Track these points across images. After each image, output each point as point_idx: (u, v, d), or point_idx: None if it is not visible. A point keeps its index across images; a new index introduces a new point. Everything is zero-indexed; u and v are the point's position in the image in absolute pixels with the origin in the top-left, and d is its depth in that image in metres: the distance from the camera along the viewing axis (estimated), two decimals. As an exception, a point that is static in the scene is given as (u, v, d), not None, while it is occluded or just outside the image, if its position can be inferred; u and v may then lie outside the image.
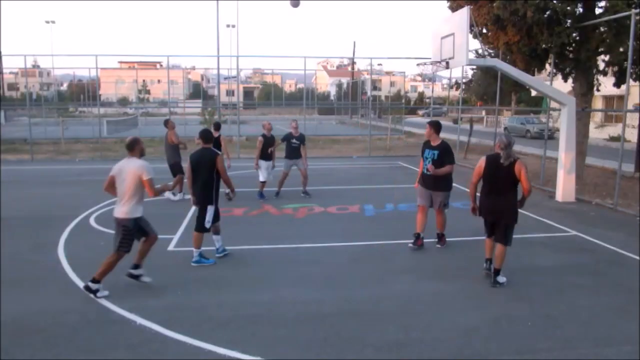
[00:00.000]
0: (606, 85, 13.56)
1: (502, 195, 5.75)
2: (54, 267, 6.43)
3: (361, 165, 17.31)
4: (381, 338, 4.57)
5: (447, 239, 7.56)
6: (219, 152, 6.60)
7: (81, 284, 5.76)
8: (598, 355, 4.33)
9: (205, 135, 6.58)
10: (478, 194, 6.06)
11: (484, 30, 12.63)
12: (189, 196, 7.40)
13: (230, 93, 45.11)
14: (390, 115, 30.59)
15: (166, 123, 10.76)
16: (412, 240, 7.32)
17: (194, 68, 79.79)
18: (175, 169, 10.37)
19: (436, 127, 7.18)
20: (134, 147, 5.63)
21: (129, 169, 5.54)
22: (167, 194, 10.49)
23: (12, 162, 16.94)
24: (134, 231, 5.62)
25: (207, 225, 6.46)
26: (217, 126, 10.38)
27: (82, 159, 18.29)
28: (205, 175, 6.40)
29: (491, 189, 5.82)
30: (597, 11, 11.92)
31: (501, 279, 5.86)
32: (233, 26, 42.19)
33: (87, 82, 45.46)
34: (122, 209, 5.59)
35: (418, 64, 11.89)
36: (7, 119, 37.49)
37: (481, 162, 5.91)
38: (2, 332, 4.59)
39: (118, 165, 5.66)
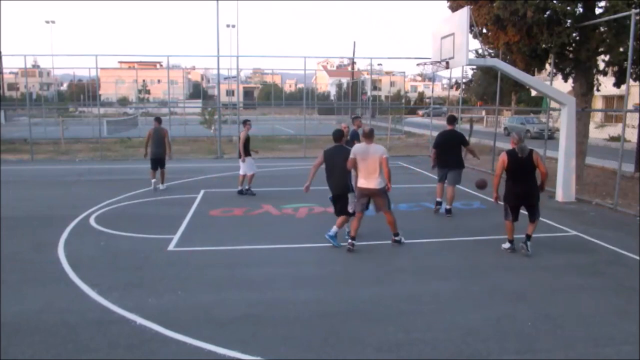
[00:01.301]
0: (606, 85, 13.54)
1: (527, 182, 6.84)
2: (54, 267, 6.43)
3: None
4: (381, 338, 4.57)
5: (447, 239, 7.63)
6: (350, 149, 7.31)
7: (81, 284, 5.77)
8: (598, 355, 4.33)
9: (336, 135, 7.48)
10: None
11: (484, 30, 12.62)
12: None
13: (230, 93, 45.07)
14: (390, 115, 30.59)
15: (161, 120, 12.01)
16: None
17: (194, 68, 79.73)
18: (163, 162, 11.73)
19: (447, 119, 9.56)
20: (372, 136, 7.11)
21: (374, 151, 6.97)
22: (162, 186, 11.78)
23: (12, 162, 16.94)
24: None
25: (351, 209, 7.32)
26: (244, 122, 11.49)
27: (82, 159, 18.29)
28: (340, 168, 7.26)
29: (516, 178, 6.84)
30: (597, 11, 11.91)
31: (530, 246, 6.94)
32: (233, 26, 42.12)
33: (87, 82, 45.43)
34: (376, 181, 7.02)
35: (418, 64, 11.89)
36: (7, 119, 37.49)
37: (503, 157, 6.91)
38: (2, 332, 4.59)
39: (360, 149, 7.03)
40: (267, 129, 31.40)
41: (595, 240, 7.79)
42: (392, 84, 64.79)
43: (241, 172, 11.13)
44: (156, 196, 11.04)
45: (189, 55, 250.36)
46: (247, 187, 11.13)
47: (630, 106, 22.40)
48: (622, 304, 5.39)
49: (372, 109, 36.76)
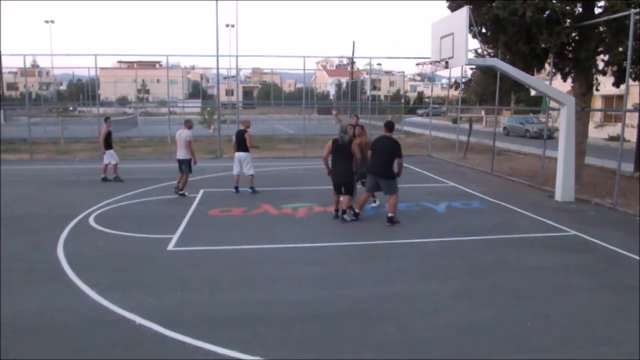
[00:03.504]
0: (605, 84, 13.55)
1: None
2: (53, 267, 6.42)
3: (361, 165, 17.26)
4: (381, 338, 4.57)
5: (447, 239, 7.62)
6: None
7: (81, 284, 5.77)
8: (598, 355, 4.33)
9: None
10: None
11: (483, 30, 12.63)
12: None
13: (229, 93, 45.11)
14: (389, 115, 30.61)
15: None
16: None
17: (193, 68, 79.66)
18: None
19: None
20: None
21: None
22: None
23: (12, 162, 16.93)
24: None
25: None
26: (247, 124, 11.44)
27: (81, 159, 18.27)
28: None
29: None
30: (597, 11, 11.92)
31: None
32: (232, 26, 42.00)
33: (86, 81, 45.40)
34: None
35: (417, 64, 11.90)
36: (6, 119, 37.44)
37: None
38: (2, 332, 4.58)
39: None
40: (267, 128, 31.40)
41: (595, 240, 7.80)
42: (391, 83, 64.84)
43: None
44: (155, 196, 11.03)
45: (188, 55, 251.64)
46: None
47: (629, 106, 22.37)
48: (622, 304, 5.40)
49: (366, 109, 36.81)
